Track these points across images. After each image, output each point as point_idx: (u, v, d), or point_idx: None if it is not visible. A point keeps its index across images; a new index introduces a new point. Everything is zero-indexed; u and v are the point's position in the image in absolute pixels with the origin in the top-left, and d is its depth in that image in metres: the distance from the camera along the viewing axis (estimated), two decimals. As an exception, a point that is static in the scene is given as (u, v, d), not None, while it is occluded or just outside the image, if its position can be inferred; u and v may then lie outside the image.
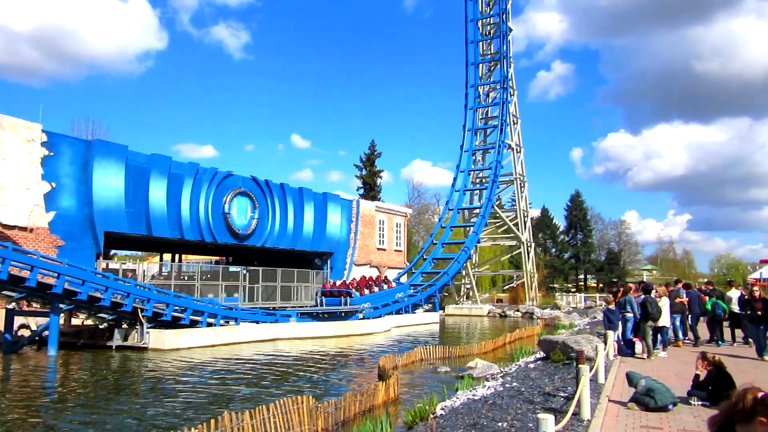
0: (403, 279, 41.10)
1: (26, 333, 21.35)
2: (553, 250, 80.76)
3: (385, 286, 34.84)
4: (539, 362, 15.35)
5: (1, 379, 15.60)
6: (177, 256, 37.59)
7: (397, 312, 33.33)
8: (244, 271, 30.61)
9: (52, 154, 22.93)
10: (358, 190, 65.59)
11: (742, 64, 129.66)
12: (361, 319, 28.99)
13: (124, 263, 39.52)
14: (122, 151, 25.13)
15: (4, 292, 18.97)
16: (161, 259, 38.02)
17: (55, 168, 23.03)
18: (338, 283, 33.55)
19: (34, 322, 21.91)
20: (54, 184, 22.91)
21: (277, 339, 24.38)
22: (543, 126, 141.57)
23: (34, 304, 21.33)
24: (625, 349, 14.72)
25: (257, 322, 24.58)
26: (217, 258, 42.93)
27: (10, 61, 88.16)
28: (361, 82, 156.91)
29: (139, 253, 54.55)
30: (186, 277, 33.66)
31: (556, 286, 72.59)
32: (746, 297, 15.17)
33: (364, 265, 40.29)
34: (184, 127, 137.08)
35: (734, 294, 17.06)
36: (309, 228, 34.91)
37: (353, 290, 31.54)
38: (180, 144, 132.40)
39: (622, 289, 16.51)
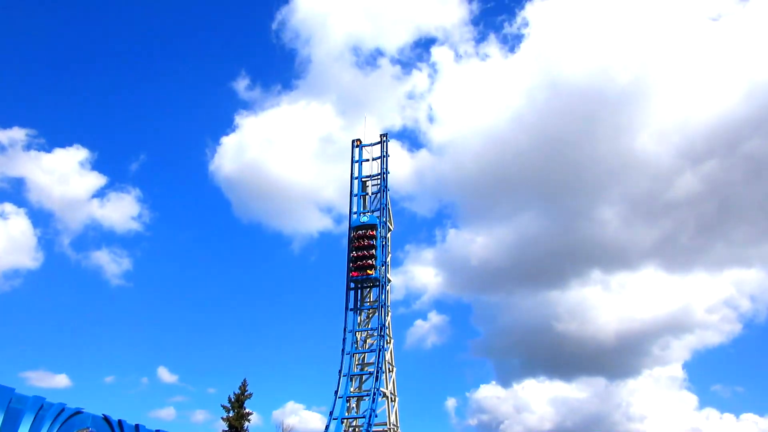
0: None
1: None
2: None
3: None
4: None
5: None
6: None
7: None
8: None
9: None
10: (222, 433, 60.64)
11: (595, 328, 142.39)
12: None
13: None
14: (-44, 379, 22.28)
15: None
16: None
17: None
18: None
19: None
20: None
21: None
22: (419, 374, 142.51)
23: None
24: None
25: None
26: None
27: None
28: (238, 318, 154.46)
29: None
30: None
31: None
32: None
33: None
34: (39, 353, 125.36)
35: None
36: (160, 479, 31.12)
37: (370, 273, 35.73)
38: (31, 371, 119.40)
39: None
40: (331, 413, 48.19)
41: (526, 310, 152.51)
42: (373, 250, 50.16)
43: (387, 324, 52.32)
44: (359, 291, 54.93)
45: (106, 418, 28.81)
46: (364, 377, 51.73)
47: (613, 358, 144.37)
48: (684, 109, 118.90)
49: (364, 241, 51.75)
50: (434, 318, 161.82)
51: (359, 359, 52.83)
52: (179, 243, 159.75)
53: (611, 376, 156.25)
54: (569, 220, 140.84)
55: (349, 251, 52.98)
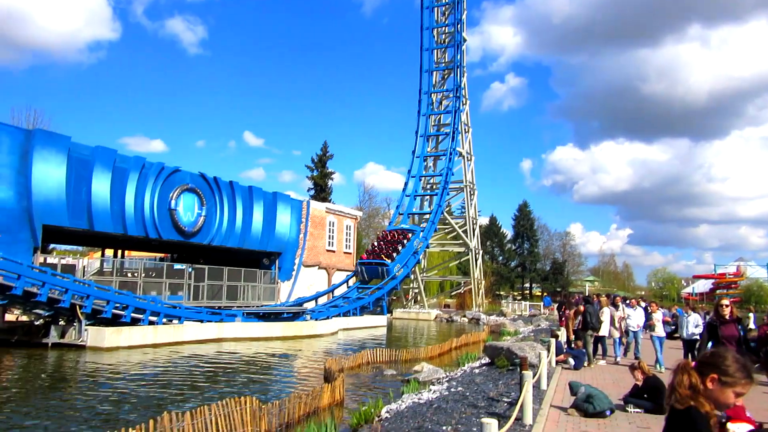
0: (352, 281, 41.04)
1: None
2: (500, 258, 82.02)
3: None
4: (484, 368, 15.55)
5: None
6: (119, 252, 36.53)
7: (345, 314, 33.24)
8: (189, 269, 29.98)
9: (-11, 141, 21.98)
10: (309, 191, 65.22)
11: (685, 88, 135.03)
12: (308, 320, 28.81)
13: (64, 258, 38.16)
14: (64, 142, 24.25)
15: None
16: (103, 255, 36.85)
17: (-8, 156, 22.09)
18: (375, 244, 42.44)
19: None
20: (-10, 173, 21.95)
21: (222, 339, 23.97)
22: (494, 136, 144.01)
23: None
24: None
25: (201, 321, 24.11)
26: (162, 255, 41.91)
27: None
28: (317, 82, 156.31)
29: (80, 248, 52.70)
30: (128, 274, 32.76)
31: (502, 293, 73.71)
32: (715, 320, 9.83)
33: (313, 266, 40.04)
34: (133, 121, 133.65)
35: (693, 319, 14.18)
36: (258, 227, 34.48)
37: (386, 260, 38.28)
38: (128, 137, 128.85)
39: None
40: (408, 171, 50.08)
41: (611, 71, 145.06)
42: (396, 254, 40.41)
43: (463, 85, 51.48)
44: (433, 52, 53.48)
45: (203, 176, 31.22)
46: (440, 138, 52.57)
47: (701, 119, 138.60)
48: None
49: (394, 236, 43.18)
50: (512, 80, 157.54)
51: (435, 120, 53.23)
52: (251, 8, 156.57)
53: (696, 138, 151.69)
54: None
55: (373, 240, 48.52)
